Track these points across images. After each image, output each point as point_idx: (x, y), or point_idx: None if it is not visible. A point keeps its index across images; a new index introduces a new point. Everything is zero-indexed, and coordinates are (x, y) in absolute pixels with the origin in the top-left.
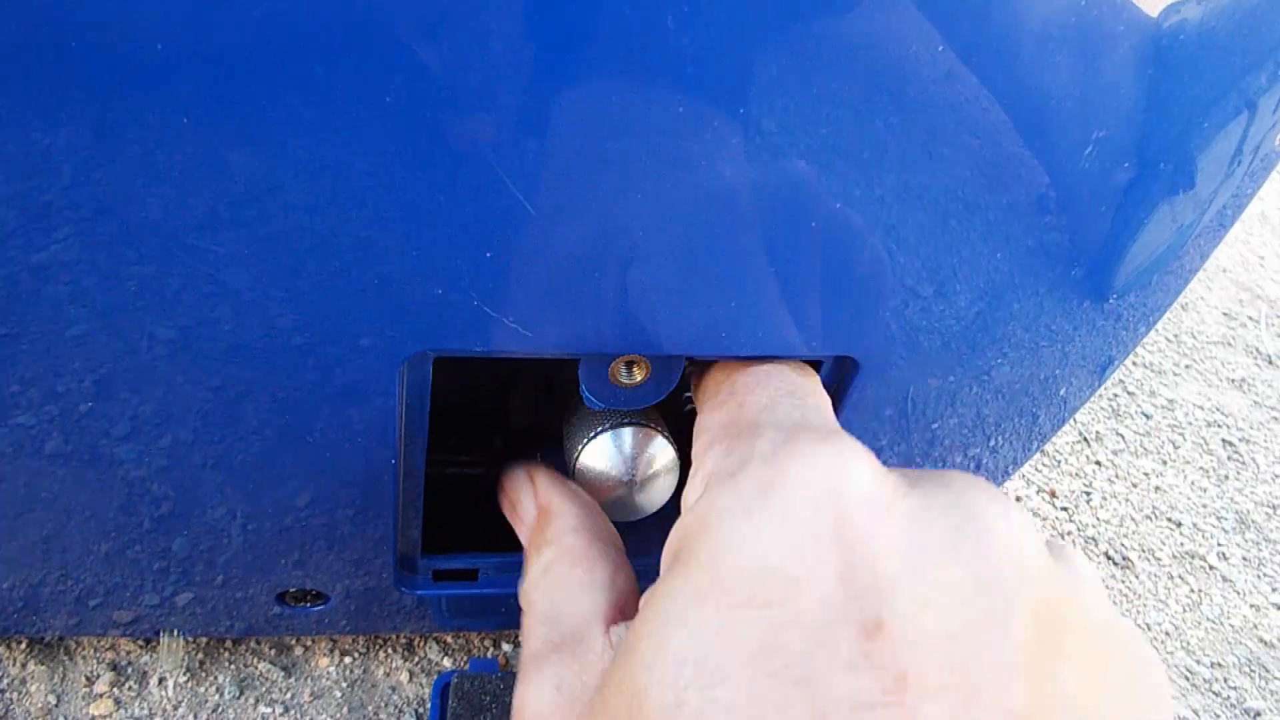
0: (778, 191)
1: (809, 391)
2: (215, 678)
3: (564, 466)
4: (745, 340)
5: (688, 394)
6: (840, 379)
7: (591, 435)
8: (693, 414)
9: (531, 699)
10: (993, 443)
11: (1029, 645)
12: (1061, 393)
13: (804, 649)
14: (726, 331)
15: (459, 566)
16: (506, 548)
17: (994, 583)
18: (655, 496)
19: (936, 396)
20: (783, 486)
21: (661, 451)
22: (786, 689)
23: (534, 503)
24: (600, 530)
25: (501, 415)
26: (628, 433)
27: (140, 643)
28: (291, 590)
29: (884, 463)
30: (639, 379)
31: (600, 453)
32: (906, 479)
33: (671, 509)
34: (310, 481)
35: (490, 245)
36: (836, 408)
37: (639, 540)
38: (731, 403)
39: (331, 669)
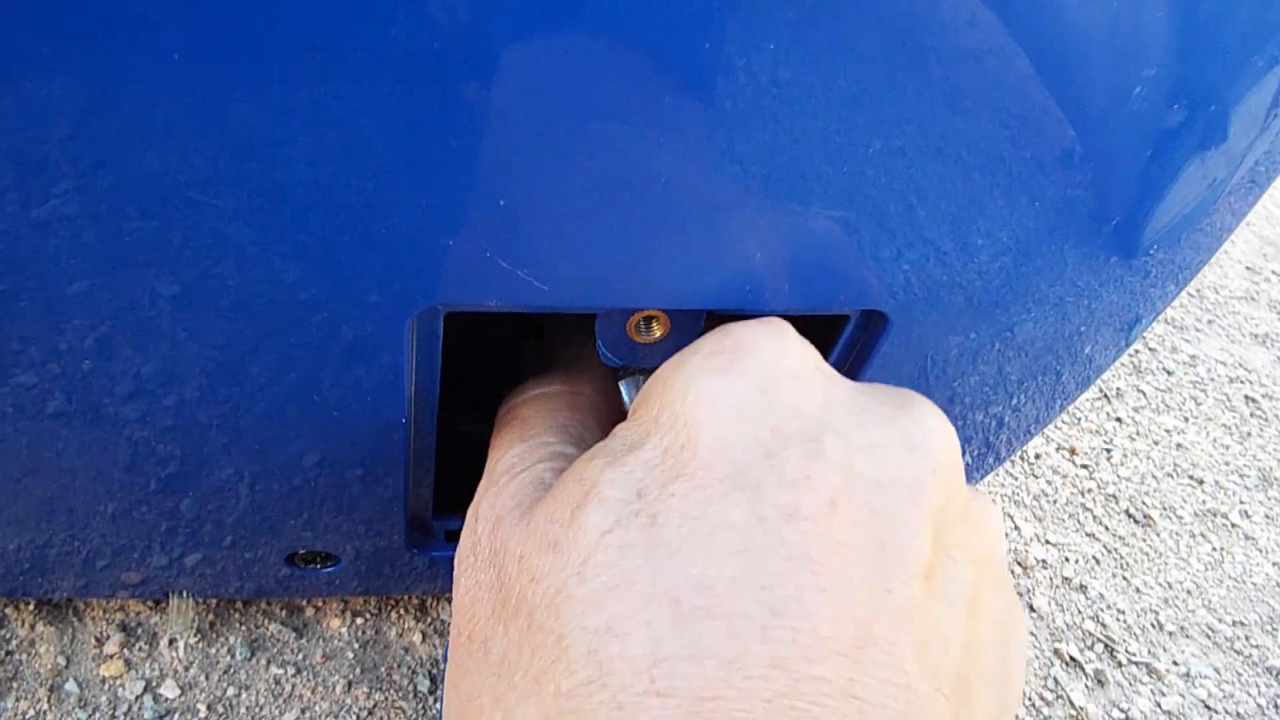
0: (801, 140)
1: None
2: (226, 639)
3: None
4: (769, 294)
5: None
6: (866, 335)
7: (623, 375)
8: None
9: (487, 500)
10: (1015, 401)
11: (938, 520)
12: (1087, 351)
13: (753, 462)
14: (750, 285)
15: None
16: None
17: (922, 454)
18: None
19: (960, 353)
20: (749, 345)
21: None
22: (733, 490)
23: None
24: (581, 398)
25: (516, 373)
26: (644, 381)
27: (150, 604)
28: (301, 551)
29: None
30: (658, 335)
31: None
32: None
33: None
34: (319, 441)
35: (503, 194)
36: (862, 364)
37: None
38: None
39: (343, 630)
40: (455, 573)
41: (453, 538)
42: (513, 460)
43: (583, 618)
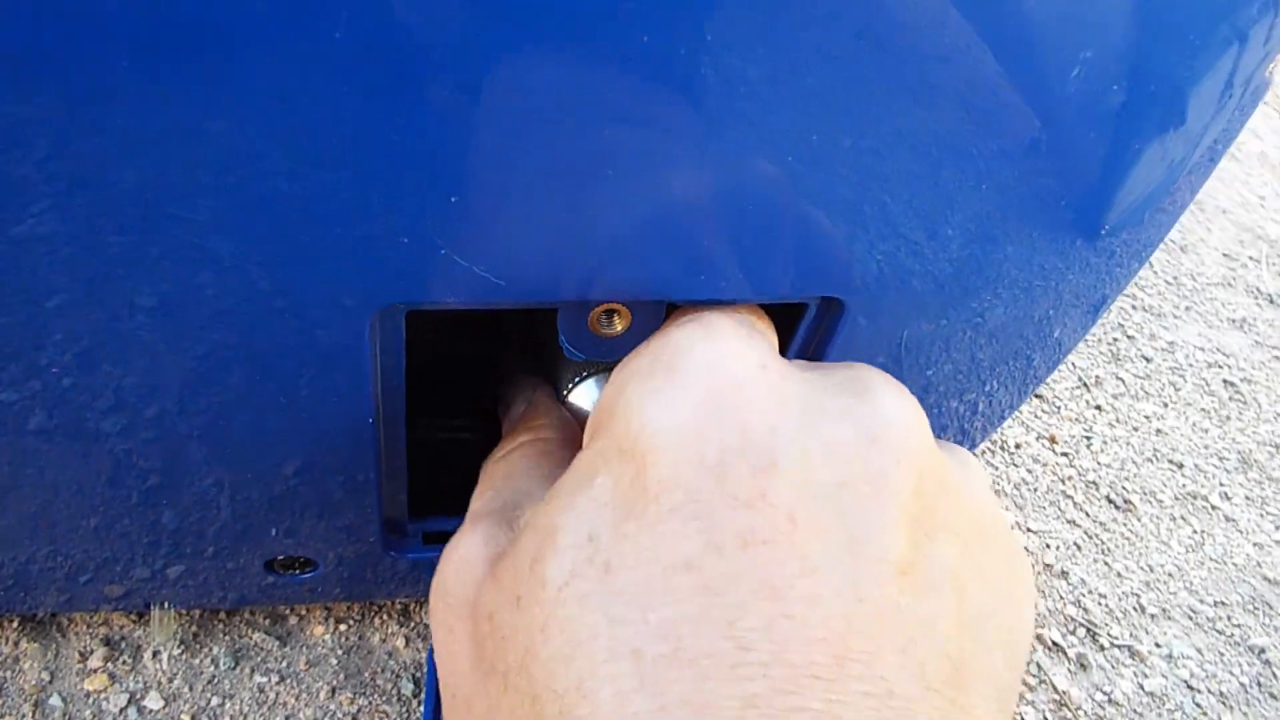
0: (754, 127)
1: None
2: (210, 649)
3: None
4: (726, 282)
5: None
6: (826, 322)
7: (577, 380)
8: None
9: (459, 547)
10: (988, 387)
11: (911, 508)
12: (1056, 334)
13: (702, 487)
14: (706, 274)
15: (449, 529)
16: None
17: (884, 444)
18: None
19: (928, 341)
20: (685, 354)
21: None
22: (685, 522)
23: (526, 401)
24: (575, 443)
25: (490, 379)
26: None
27: (133, 618)
28: (280, 558)
29: None
30: (620, 329)
31: (585, 397)
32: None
33: None
34: (292, 446)
35: (453, 189)
36: (823, 351)
37: None
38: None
39: (327, 637)
40: (431, 605)
41: (431, 540)
42: (482, 504)
43: (551, 680)
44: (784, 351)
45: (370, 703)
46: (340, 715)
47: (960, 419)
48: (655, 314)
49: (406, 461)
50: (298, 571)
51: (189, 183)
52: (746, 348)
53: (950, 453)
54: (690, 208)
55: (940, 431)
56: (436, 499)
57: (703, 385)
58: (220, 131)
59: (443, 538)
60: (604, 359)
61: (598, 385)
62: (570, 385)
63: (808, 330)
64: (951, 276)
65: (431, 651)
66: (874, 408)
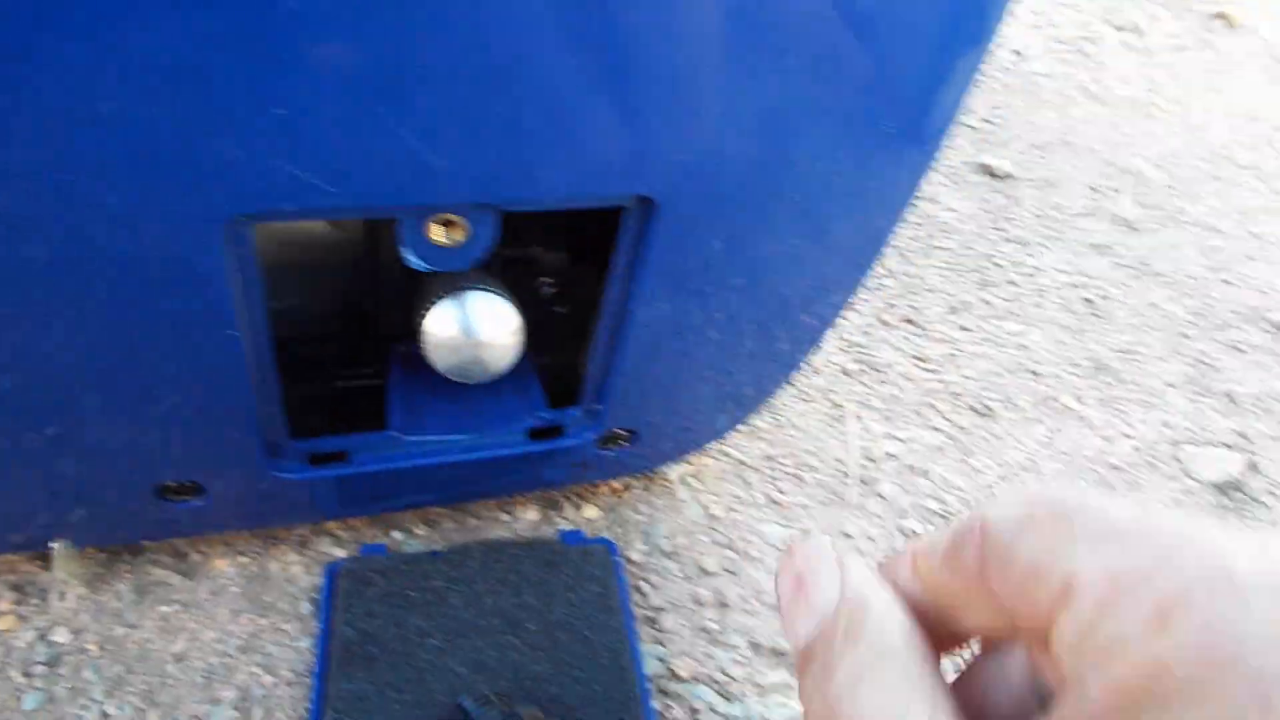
0: (559, 30)
1: None
2: (115, 586)
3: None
4: (543, 182)
5: (548, 280)
6: (645, 226)
7: (436, 299)
8: (552, 297)
9: None
10: (807, 296)
11: None
12: (864, 231)
13: None
14: (522, 174)
15: (330, 449)
16: (373, 426)
17: None
18: (501, 357)
19: (740, 245)
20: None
21: (502, 312)
22: None
23: (839, 589)
24: (919, 633)
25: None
26: (468, 296)
27: (41, 564)
28: (170, 483)
29: (703, 313)
30: (459, 238)
31: (444, 315)
32: None
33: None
34: (164, 364)
35: (277, 102)
36: (646, 255)
37: None
38: None
39: (229, 569)
40: None
41: (316, 461)
42: None
43: None
44: (609, 259)
45: (270, 622)
46: (241, 634)
47: (783, 323)
48: (489, 221)
49: (278, 379)
50: (188, 498)
51: (29, 104)
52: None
53: None
54: (506, 110)
55: (767, 340)
56: (318, 420)
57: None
58: (57, 51)
59: (323, 458)
60: (446, 269)
61: (454, 304)
62: (429, 306)
63: (631, 236)
64: (754, 176)
65: (327, 571)
66: None
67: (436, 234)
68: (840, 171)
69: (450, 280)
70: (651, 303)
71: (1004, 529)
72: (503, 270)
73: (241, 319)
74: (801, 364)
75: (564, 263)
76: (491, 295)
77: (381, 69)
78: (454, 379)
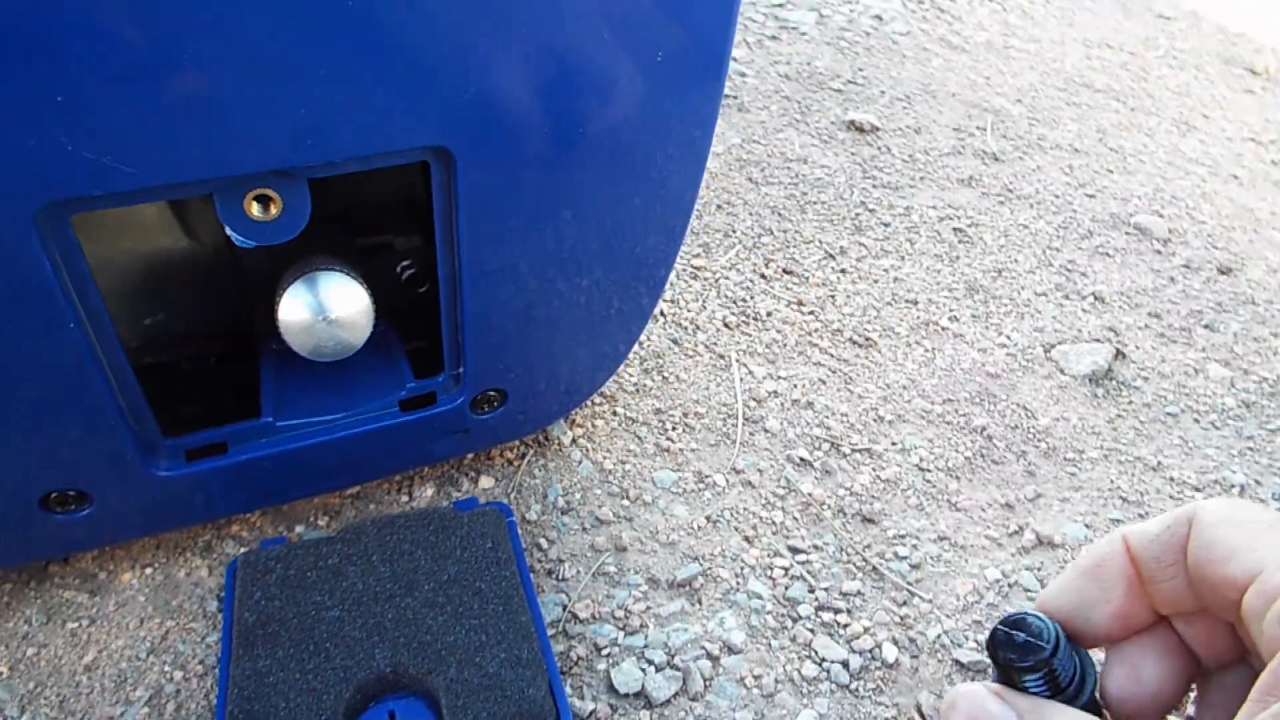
0: None
1: None
2: (22, 611)
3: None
4: (335, 141)
5: (406, 262)
6: (448, 180)
7: (287, 284)
8: (411, 281)
9: None
10: (634, 238)
11: None
12: (673, 182)
13: None
14: (313, 134)
15: (206, 442)
16: (248, 415)
17: None
18: (355, 334)
19: (551, 188)
20: None
21: (350, 290)
22: None
23: None
24: None
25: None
26: (314, 276)
27: None
28: (54, 494)
29: (536, 262)
30: (275, 213)
31: (296, 298)
32: None
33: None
34: (10, 366)
35: (57, 88)
36: (457, 209)
37: None
38: None
39: (134, 581)
40: None
41: (194, 456)
42: None
43: None
44: (428, 219)
45: (178, 623)
46: (150, 639)
47: (620, 266)
48: (301, 193)
49: (134, 374)
50: (74, 509)
51: None
52: None
53: None
54: (287, 71)
55: (610, 286)
56: (193, 418)
57: None
58: None
59: (206, 452)
60: (266, 242)
61: (305, 286)
62: (281, 292)
63: (443, 190)
64: (543, 119)
65: (228, 568)
66: None
67: (254, 209)
68: (624, 106)
69: (297, 269)
70: (479, 253)
71: (1210, 519)
72: (361, 258)
73: (78, 314)
74: (651, 310)
75: (420, 245)
76: (334, 273)
77: (152, 46)
78: (317, 360)
